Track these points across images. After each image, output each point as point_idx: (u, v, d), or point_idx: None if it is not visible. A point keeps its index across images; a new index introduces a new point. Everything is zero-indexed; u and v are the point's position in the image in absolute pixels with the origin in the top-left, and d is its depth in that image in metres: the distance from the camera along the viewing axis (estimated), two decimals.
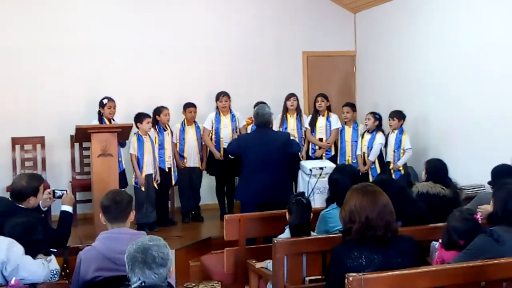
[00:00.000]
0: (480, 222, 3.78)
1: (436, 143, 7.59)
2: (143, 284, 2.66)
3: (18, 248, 3.67)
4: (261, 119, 6.39)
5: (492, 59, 6.71)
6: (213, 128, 7.78)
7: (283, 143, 6.38)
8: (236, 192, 6.86)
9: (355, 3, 9.14)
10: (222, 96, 7.80)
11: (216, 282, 6.11)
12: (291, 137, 6.87)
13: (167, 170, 7.49)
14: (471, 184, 6.43)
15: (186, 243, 6.76)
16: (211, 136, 7.78)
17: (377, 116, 7.51)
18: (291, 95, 7.97)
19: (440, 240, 3.89)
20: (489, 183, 5.24)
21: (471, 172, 6.66)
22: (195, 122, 7.84)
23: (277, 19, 9.16)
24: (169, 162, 7.52)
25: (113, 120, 7.39)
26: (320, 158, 7.86)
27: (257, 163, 6.19)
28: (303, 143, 7.89)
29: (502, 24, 6.58)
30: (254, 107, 7.75)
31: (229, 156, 7.30)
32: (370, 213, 3.20)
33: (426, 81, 7.81)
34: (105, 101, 7.30)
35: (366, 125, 7.57)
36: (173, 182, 7.63)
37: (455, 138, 7.26)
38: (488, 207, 4.06)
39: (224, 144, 7.66)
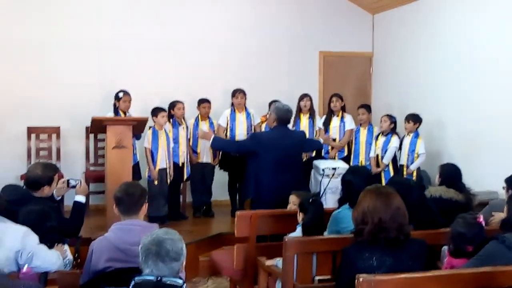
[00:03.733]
0: (483, 225, 3.77)
1: (450, 147, 7.55)
2: (159, 277, 2.68)
3: (34, 237, 3.70)
4: (283, 115, 6.13)
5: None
6: (228, 125, 7.79)
7: (300, 142, 6.33)
8: (249, 191, 6.44)
9: (374, 4, 9.11)
10: (238, 93, 7.81)
11: (225, 277, 6.13)
12: (308, 138, 6.88)
13: (180, 164, 7.52)
14: (484, 190, 6.39)
15: (197, 238, 6.79)
16: (226, 133, 7.79)
17: (393, 119, 7.49)
18: (305, 95, 7.96)
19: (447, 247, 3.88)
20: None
21: (484, 178, 6.63)
22: (209, 117, 7.86)
23: (295, 17, 9.16)
24: (183, 157, 7.54)
25: (128, 113, 7.43)
26: (333, 158, 7.85)
27: (277, 163, 5.98)
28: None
29: None
30: (269, 105, 7.79)
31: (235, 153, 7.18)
32: (383, 215, 3.20)
33: (443, 85, 7.77)
34: (120, 94, 7.35)
35: (381, 127, 7.55)
36: (185, 177, 7.66)
37: (469, 143, 7.22)
38: (502, 215, 4.05)
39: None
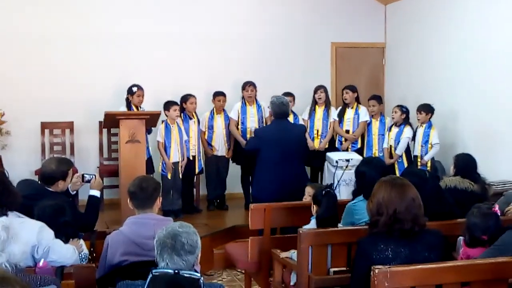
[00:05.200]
0: (499, 214, 3.76)
1: (464, 138, 7.50)
2: (177, 270, 2.69)
3: (49, 232, 3.73)
4: (280, 109, 6.13)
5: None
6: (239, 118, 7.79)
7: (301, 135, 6.30)
8: (253, 188, 6.52)
9: None
10: (248, 85, 7.80)
11: (239, 270, 6.15)
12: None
13: (191, 158, 7.53)
14: (499, 180, 6.35)
15: (211, 231, 6.80)
16: (238, 126, 7.79)
17: (403, 109, 7.45)
18: (319, 87, 7.94)
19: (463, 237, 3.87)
20: None
21: (500, 168, 6.59)
22: (224, 110, 7.86)
23: (307, 9, 9.11)
24: (193, 150, 7.55)
25: (141, 107, 7.44)
26: (346, 150, 7.83)
27: (277, 157, 6.00)
28: (325, 135, 7.89)
29: None
30: None
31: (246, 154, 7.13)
32: (398, 206, 3.19)
33: (457, 75, 7.71)
34: (134, 89, 7.35)
35: (393, 118, 7.51)
36: (197, 171, 7.66)
37: (484, 133, 7.17)
38: None
39: (251, 134, 7.65)
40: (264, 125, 7.65)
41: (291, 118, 7.65)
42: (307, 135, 7.82)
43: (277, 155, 6.01)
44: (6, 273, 2.38)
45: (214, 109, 7.83)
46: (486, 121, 7.16)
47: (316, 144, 7.86)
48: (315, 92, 7.91)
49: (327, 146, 7.89)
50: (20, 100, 7.92)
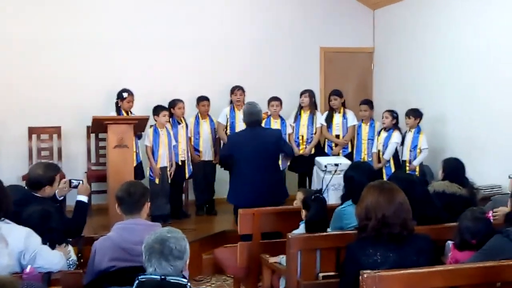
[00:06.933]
0: (492, 220, 3.78)
1: (453, 142, 7.52)
2: (164, 276, 2.68)
3: (36, 238, 3.70)
4: (253, 117, 6.10)
5: None
6: (228, 123, 7.78)
7: (276, 140, 6.21)
8: (229, 195, 6.40)
9: None
10: (237, 90, 7.80)
11: (228, 275, 6.13)
12: (284, 139, 6.73)
13: (180, 163, 7.50)
14: (487, 184, 6.38)
15: (200, 236, 6.78)
16: (226, 131, 7.78)
17: (394, 115, 7.45)
18: (303, 92, 7.93)
19: (453, 241, 3.88)
20: None
21: (488, 172, 6.61)
22: (208, 115, 7.85)
23: (295, 13, 9.13)
24: (182, 155, 7.52)
25: (131, 112, 7.41)
26: (337, 155, 7.82)
27: (251, 163, 5.96)
28: (310, 141, 7.88)
29: None
30: (268, 102, 7.77)
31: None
32: (386, 211, 3.19)
33: (445, 79, 7.74)
34: (124, 94, 7.28)
35: (384, 123, 7.51)
36: (187, 175, 7.64)
37: (472, 138, 7.20)
38: (505, 209, 4.05)
39: None
40: None
41: (278, 123, 7.70)
42: (292, 140, 7.84)
43: (250, 160, 5.97)
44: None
45: (199, 114, 7.81)
46: (474, 126, 7.19)
47: (302, 150, 7.86)
48: (300, 96, 7.91)
49: (313, 151, 7.88)
50: (7, 104, 7.87)
